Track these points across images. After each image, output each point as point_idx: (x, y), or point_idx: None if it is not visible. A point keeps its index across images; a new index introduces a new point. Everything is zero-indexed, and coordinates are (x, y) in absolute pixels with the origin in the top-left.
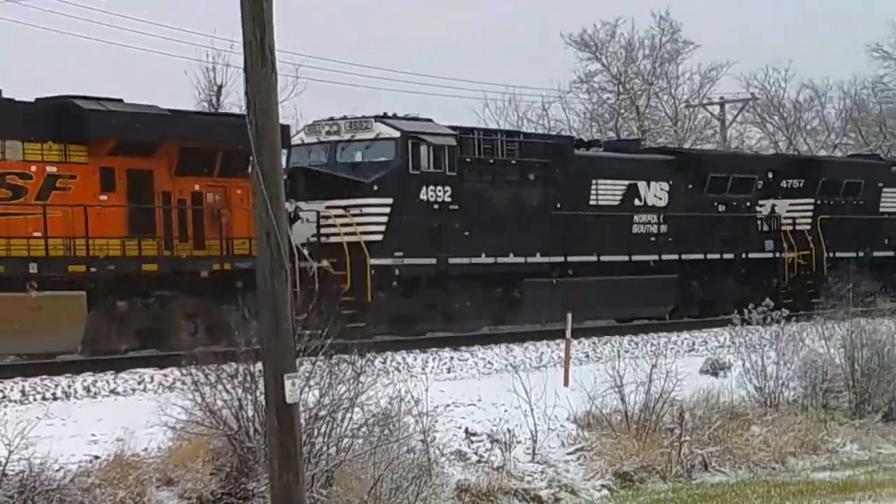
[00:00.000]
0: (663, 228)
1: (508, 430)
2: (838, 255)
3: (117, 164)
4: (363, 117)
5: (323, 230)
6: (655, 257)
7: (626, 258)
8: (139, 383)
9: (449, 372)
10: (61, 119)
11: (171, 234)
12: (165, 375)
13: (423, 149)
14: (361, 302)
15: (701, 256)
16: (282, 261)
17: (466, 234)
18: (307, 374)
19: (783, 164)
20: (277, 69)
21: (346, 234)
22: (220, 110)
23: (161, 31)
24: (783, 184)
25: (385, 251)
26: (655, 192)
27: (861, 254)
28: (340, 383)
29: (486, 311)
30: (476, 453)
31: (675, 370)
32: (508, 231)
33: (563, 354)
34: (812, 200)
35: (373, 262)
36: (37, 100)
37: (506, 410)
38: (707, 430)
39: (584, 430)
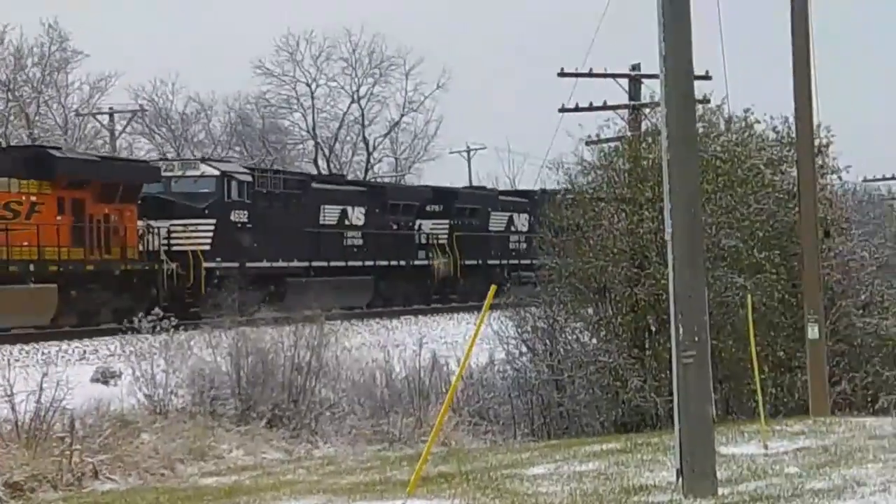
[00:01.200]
0: (362, 242)
1: None
2: (467, 262)
3: (66, 195)
4: (192, 159)
5: (172, 241)
6: (360, 263)
7: (343, 263)
8: None
9: None
10: (38, 163)
11: (93, 243)
12: None
13: (234, 183)
14: (197, 293)
15: (387, 263)
16: None
17: (255, 245)
18: None
19: (429, 193)
20: None
21: (187, 244)
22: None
23: None
24: (428, 208)
25: (211, 257)
26: (357, 215)
27: (481, 261)
28: None
29: (263, 300)
30: None
31: (66, 379)
32: (278, 243)
33: None
34: (448, 221)
35: (205, 265)
36: (13, 147)
37: None
38: (98, 438)
39: None
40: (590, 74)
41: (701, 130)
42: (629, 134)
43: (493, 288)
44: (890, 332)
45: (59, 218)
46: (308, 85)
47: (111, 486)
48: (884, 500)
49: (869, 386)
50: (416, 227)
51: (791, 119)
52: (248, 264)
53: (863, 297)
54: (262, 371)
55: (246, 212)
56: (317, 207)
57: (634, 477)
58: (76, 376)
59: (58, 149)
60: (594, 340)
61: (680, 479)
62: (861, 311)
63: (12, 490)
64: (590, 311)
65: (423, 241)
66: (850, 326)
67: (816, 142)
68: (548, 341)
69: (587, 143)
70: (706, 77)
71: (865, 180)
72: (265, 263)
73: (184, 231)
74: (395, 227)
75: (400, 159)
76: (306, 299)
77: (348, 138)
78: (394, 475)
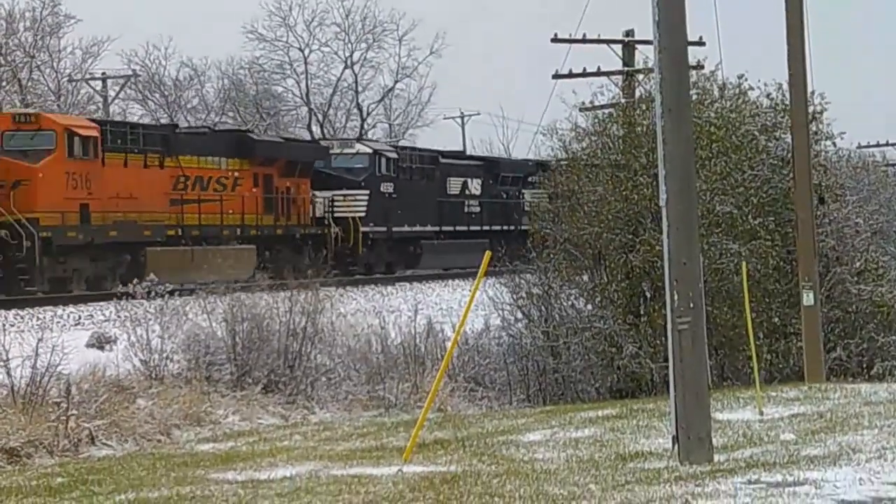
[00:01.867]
0: (479, 209)
1: None
2: None
3: (260, 171)
4: (348, 139)
5: (334, 209)
6: (478, 228)
7: (465, 228)
8: None
9: None
10: (240, 145)
11: (279, 211)
12: None
13: (383, 160)
14: (355, 253)
15: (499, 228)
16: None
17: (399, 212)
18: None
19: (533, 166)
20: None
21: (347, 211)
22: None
23: None
24: (530, 179)
25: (366, 223)
26: (475, 186)
27: None
28: None
29: (405, 260)
30: None
31: (61, 344)
32: (416, 210)
33: None
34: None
35: (362, 229)
36: (219, 131)
37: None
38: (94, 403)
39: None
40: (583, 40)
41: (695, 97)
42: (623, 100)
43: (487, 254)
44: (885, 299)
45: (254, 190)
46: (301, 50)
47: (107, 451)
48: (879, 467)
49: (864, 352)
50: (521, 196)
51: (785, 85)
52: (394, 229)
53: (858, 263)
54: (258, 337)
55: (392, 184)
56: (444, 180)
57: (630, 443)
58: (72, 341)
59: (253, 132)
60: (589, 307)
61: (676, 446)
62: (856, 278)
63: (8, 456)
64: (585, 277)
65: (527, 208)
66: (844, 293)
67: (810, 108)
68: (543, 308)
69: (581, 110)
70: (700, 43)
71: (860, 147)
72: (406, 228)
73: (344, 200)
74: (504, 196)
75: (394, 125)
76: (438, 259)
77: (342, 104)
78: (390, 441)
